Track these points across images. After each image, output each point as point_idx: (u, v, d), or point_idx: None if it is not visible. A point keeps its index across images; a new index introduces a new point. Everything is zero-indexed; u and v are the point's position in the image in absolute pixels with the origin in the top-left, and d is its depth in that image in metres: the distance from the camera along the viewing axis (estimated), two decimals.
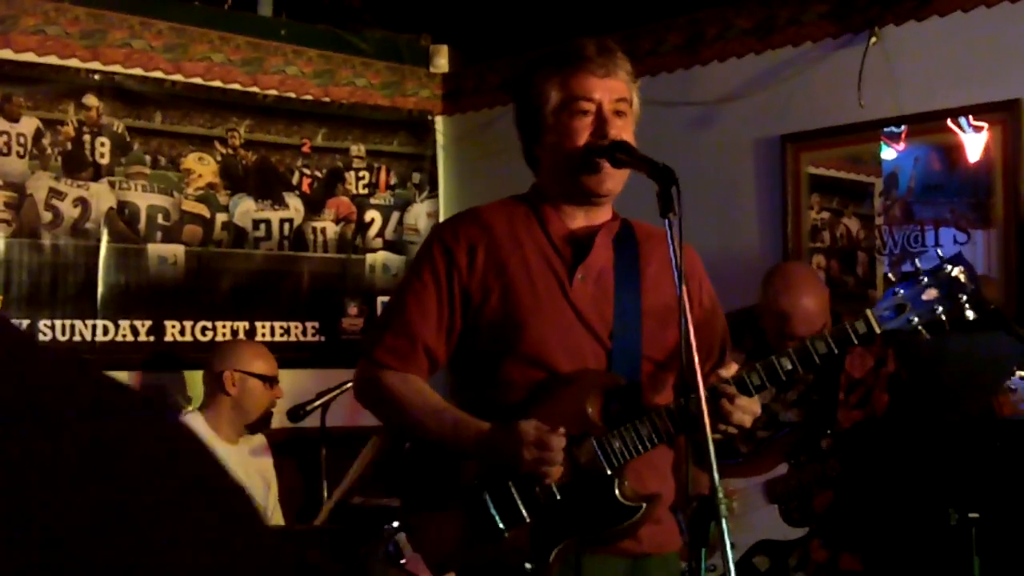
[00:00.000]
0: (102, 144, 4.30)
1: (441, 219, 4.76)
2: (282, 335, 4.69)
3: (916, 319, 2.14)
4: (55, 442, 0.50)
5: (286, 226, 4.76)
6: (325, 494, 3.84)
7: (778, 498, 3.36)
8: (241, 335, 4.55)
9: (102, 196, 4.28)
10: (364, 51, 5.04)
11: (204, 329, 4.50)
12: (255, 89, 4.72)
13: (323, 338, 4.80)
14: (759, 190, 4.26)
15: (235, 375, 3.98)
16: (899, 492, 3.32)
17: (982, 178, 3.70)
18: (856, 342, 2.17)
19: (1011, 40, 3.65)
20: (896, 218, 3.92)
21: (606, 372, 2.24)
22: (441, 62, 5.25)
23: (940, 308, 2.14)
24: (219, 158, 4.60)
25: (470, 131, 5.18)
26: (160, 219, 4.42)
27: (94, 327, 4.24)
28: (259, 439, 4.15)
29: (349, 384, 2.82)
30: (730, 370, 2.20)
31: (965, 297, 2.13)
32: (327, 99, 4.92)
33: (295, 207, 4.79)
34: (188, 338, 4.46)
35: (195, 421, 3.95)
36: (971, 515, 2.93)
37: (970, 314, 2.13)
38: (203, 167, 4.56)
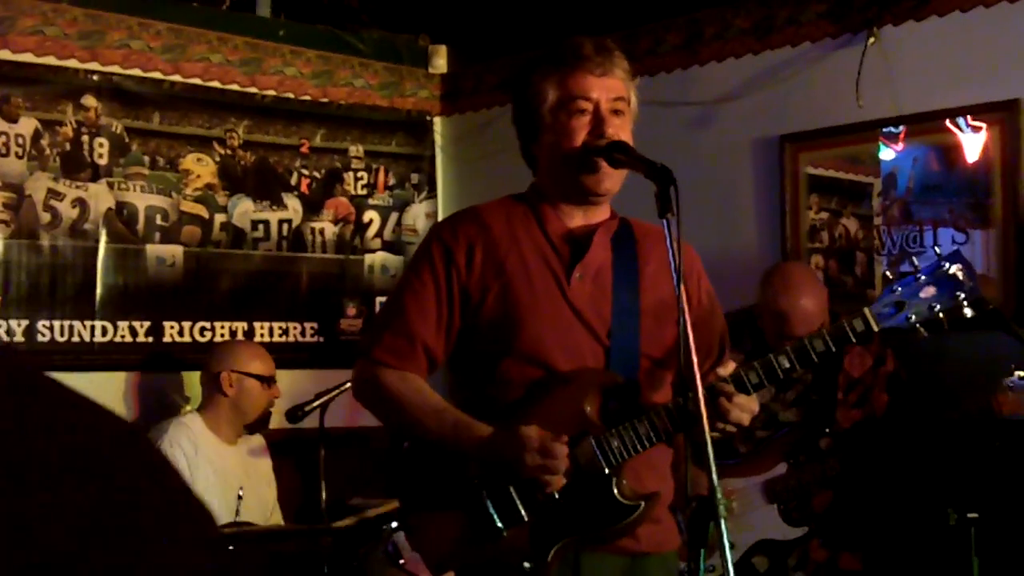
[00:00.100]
0: (100, 145, 4.30)
1: (440, 219, 4.76)
2: (281, 336, 4.69)
3: (914, 317, 2.14)
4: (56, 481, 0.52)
5: (285, 227, 4.76)
6: (324, 494, 3.84)
7: (777, 498, 3.36)
8: (240, 336, 4.55)
9: (101, 197, 4.28)
10: (362, 52, 5.04)
11: (203, 330, 4.50)
12: (253, 90, 4.72)
13: (322, 339, 4.80)
14: (757, 190, 4.26)
15: (232, 376, 3.98)
16: (898, 492, 3.31)
17: (981, 178, 3.70)
18: (854, 340, 2.17)
19: (1009, 40, 3.65)
20: (895, 218, 3.92)
21: (604, 371, 2.24)
22: (439, 62, 5.25)
23: (938, 306, 2.13)
24: (217, 159, 4.60)
25: (468, 131, 5.18)
26: (159, 220, 4.42)
27: (92, 328, 4.24)
28: (258, 439, 4.15)
29: (348, 384, 2.82)
30: (728, 369, 2.20)
31: (963, 295, 2.13)
32: (325, 100, 4.92)
33: (294, 208, 4.79)
34: (187, 339, 4.45)
35: (193, 422, 3.95)
36: (970, 515, 2.93)
37: (968, 312, 2.12)
38: (201, 168, 4.56)
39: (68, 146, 4.23)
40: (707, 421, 1.90)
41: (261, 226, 4.70)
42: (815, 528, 3.35)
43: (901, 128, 3.87)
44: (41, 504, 0.50)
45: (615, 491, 2.18)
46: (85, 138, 4.27)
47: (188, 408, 4.21)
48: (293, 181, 4.80)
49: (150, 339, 4.37)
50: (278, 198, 4.75)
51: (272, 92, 4.77)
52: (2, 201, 4.08)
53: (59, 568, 0.49)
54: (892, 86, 3.86)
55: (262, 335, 4.62)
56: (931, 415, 3.33)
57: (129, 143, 4.37)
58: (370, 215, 5.01)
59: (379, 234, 5.03)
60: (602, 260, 2.30)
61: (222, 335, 4.52)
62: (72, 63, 4.25)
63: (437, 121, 5.27)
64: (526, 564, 2.17)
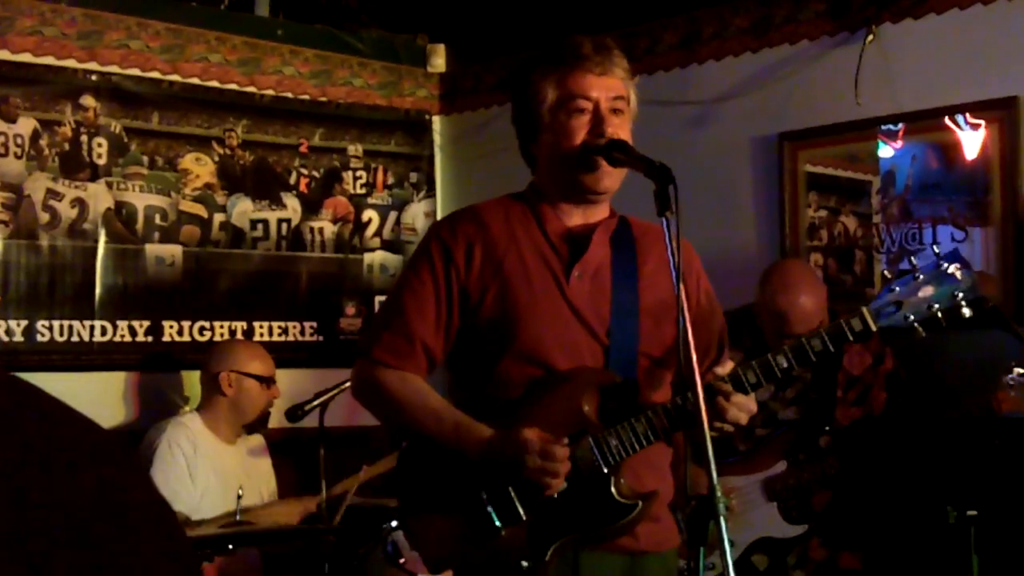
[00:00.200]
0: (99, 145, 4.30)
1: (438, 219, 4.76)
2: (280, 335, 4.69)
3: (912, 316, 2.14)
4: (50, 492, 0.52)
5: (284, 226, 4.76)
6: (323, 494, 3.84)
7: (777, 496, 3.36)
8: (239, 335, 4.55)
9: (100, 197, 4.28)
10: (361, 51, 5.04)
11: (202, 329, 4.50)
12: (252, 89, 4.72)
13: (321, 338, 4.80)
14: (756, 188, 4.26)
15: (231, 376, 3.97)
16: (898, 490, 3.31)
17: (980, 176, 3.70)
18: (852, 339, 2.17)
19: (1008, 37, 3.65)
20: (894, 216, 3.92)
21: (603, 369, 2.24)
22: (438, 62, 5.25)
23: (936, 305, 2.13)
24: (216, 158, 4.60)
25: (467, 131, 5.18)
26: (158, 219, 4.42)
27: (92, 328, 4.24)
28: (257, 439, 4.15)
29: (347, 384, 2.82)
30: (726, 367, 2.20)
31: (961, 295, 2.13)
32: (324, 99, 4.92)
33: (293, 207, 4.79)
34: (186, 338, 4.46)
35: (193, 422, 3.95)
36: (970, 513, 2.92)
37: (967, 311, 2.12)
38: (200, 167, 4.56)
39: (67, 146, 4.23)
40: (706, 420, 1.90)
41: (260, 226, 4.70)
42: (815, 526, 3.35)
43: (900, 126, 3.87)
44: (9, 512, 0.51)
45: (613, 490, 2.17)
46: (84, 138, 4.27)
47: (187, 408, 4.21)
48: (292, 180, 4.80)
49: (149, 339, 4.37)
50: (277, 198, 4.75)
51: (271, 92, 4.77)
52: (1, 201, 4.08)
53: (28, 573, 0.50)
54: (891, 84, 3.86)
55: (261, 335, 4.62)
56: (930, 413, 3.33)
57: (128, 143, 4.37)
58: (369, 214, 5.01)
59: (378, 233, 5.03)
60: (601, 259, 2.30)
61: (221, 335, 4.52)
62: (71, 63, 4.25)
63: (436, 120, 5.27)
64: (524, 563, 2.17)
